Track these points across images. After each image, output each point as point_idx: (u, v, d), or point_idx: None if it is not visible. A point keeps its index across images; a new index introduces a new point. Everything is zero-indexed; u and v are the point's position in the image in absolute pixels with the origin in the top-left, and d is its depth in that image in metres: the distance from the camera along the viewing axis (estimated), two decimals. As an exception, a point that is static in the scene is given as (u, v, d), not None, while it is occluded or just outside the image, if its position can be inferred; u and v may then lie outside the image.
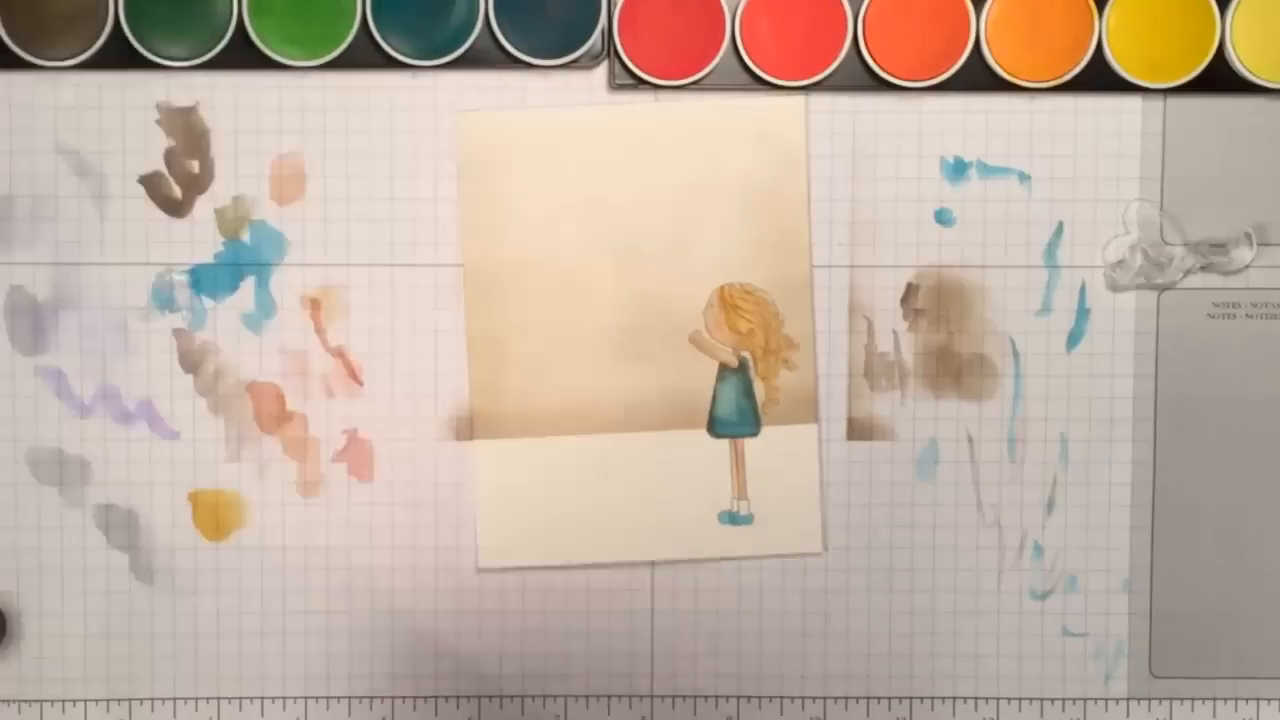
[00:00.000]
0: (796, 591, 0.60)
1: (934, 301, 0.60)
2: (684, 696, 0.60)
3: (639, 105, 0.59)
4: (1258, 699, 0.61)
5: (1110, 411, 0.60)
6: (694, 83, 0.58)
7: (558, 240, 0.59)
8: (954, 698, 0.60)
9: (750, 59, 0.58)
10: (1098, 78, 0.58)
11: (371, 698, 0.60)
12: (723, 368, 0.59)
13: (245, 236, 0.59)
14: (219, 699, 0.60)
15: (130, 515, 0.59)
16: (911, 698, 0.60)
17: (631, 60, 0.58)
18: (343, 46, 0.57)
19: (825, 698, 0.60)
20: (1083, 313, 0.60)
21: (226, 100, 0.59)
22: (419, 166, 0.59)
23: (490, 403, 0.59)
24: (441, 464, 0.60)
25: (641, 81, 0.58)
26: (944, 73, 0.58)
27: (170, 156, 0.59)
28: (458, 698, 0.60)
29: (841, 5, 0.58)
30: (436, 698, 0.60)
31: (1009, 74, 0.58)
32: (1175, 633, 0.60)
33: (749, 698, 0.60)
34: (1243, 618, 0.60)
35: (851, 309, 0.60)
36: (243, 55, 0.57)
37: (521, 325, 0.59)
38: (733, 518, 0.60)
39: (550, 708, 0.60)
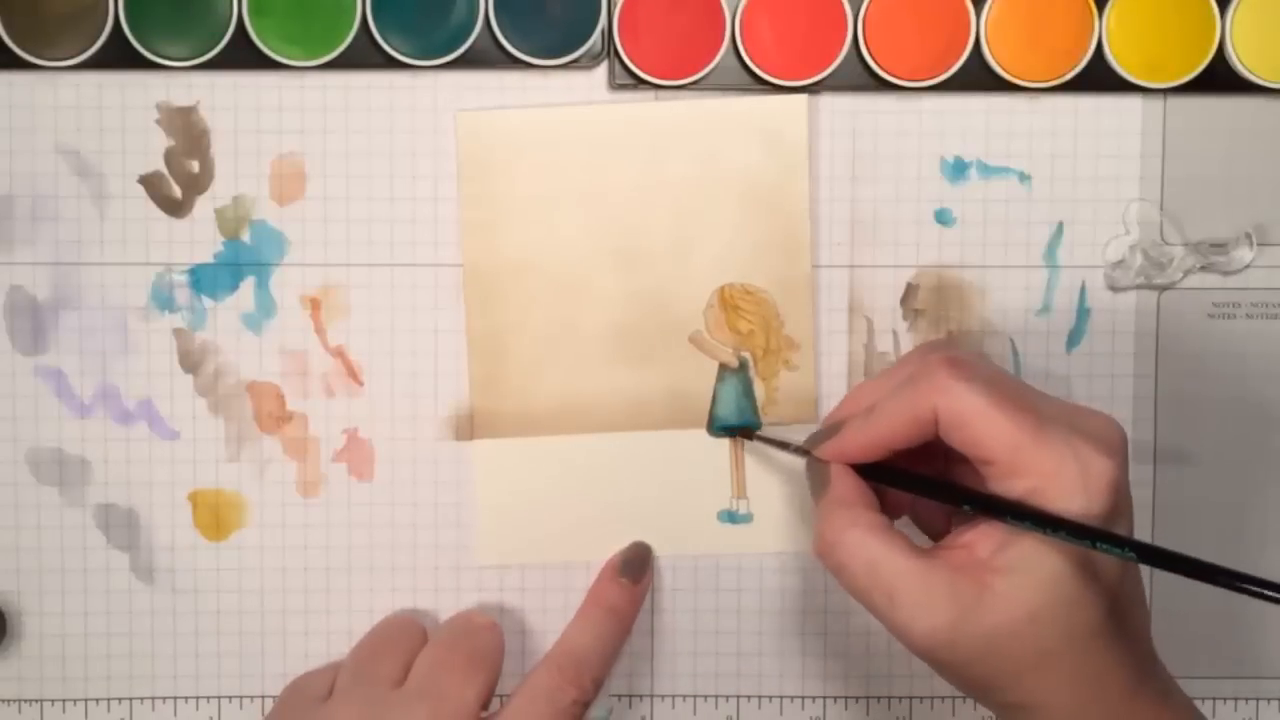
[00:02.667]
0: (796, 591, 0.60)
1: (934, 301, 0.60)
2: (684, 696, 0.60)
3: (639, 105, 0.59)
4: (1257, 699, 0.61)
5: (1110, 411, 0.60)
6: (694, 83, 0.58)
7: (558, 240, 0.59)
8: (954, 697, 0.60)
9: (750, 59, 0.58)
10: (1098, 78, 0.58)
11: (371, 698, 0.60)
12: (723, 368, 0.59)
13: (245, 236, 0.59)
14: (219, 699, 0.60)
15: (130, 515, 0.59)
16: (911, 698, 0.60)
17: (631, 60, 0.58)
18: (343, 46, 0.57)
19: (825, 698, 0.60)
20: (1083, 313, 0.60)
21: (226, 100, 0.59)
22: (419, 166, 0.59)
23: (490, 402, 0.59)
24: (441, 464, 0.60)
25: (641, 81, 0.58)
26: (944, 73, 0.58)
27: (170, 156, 0.59)
28: (458, 698, 0.60)
29: (842, 5, 0.58)
30: (436, 698, 0.60)
31: (1009, 74, 0.58)
32: (1175, 633, 0.60)
33: (749, 698, 0.60)
34: (1243, 618, 0.60)
35: (851, 309, 0.60)
36: (243, 55, 0.57)
37: (521, 325, 0.59)
38: (732, 517, 0.60)
39: (550, 707, 0.60)
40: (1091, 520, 0.46)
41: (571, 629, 0.57)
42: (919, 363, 0.50)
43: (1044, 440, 0.47)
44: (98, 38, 0.57)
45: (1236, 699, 0.60)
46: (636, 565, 0.59)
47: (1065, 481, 0.46)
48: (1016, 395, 0.48)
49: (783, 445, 0.56)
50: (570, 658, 0.55)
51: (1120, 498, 0.47)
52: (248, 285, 0.59)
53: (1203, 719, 0.51)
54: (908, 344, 0.60)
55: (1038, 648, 0.47)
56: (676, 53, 0.58)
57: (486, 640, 0.56)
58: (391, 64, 0.58)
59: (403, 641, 0.56)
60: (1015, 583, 0.46)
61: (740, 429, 0.59)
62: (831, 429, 0.52)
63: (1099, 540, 0.45)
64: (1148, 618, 0.50)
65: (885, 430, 0.49)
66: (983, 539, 0.48)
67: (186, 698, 0.60)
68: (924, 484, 0.50)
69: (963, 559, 0.48)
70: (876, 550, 0.48)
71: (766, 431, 0.58)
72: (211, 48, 0.57)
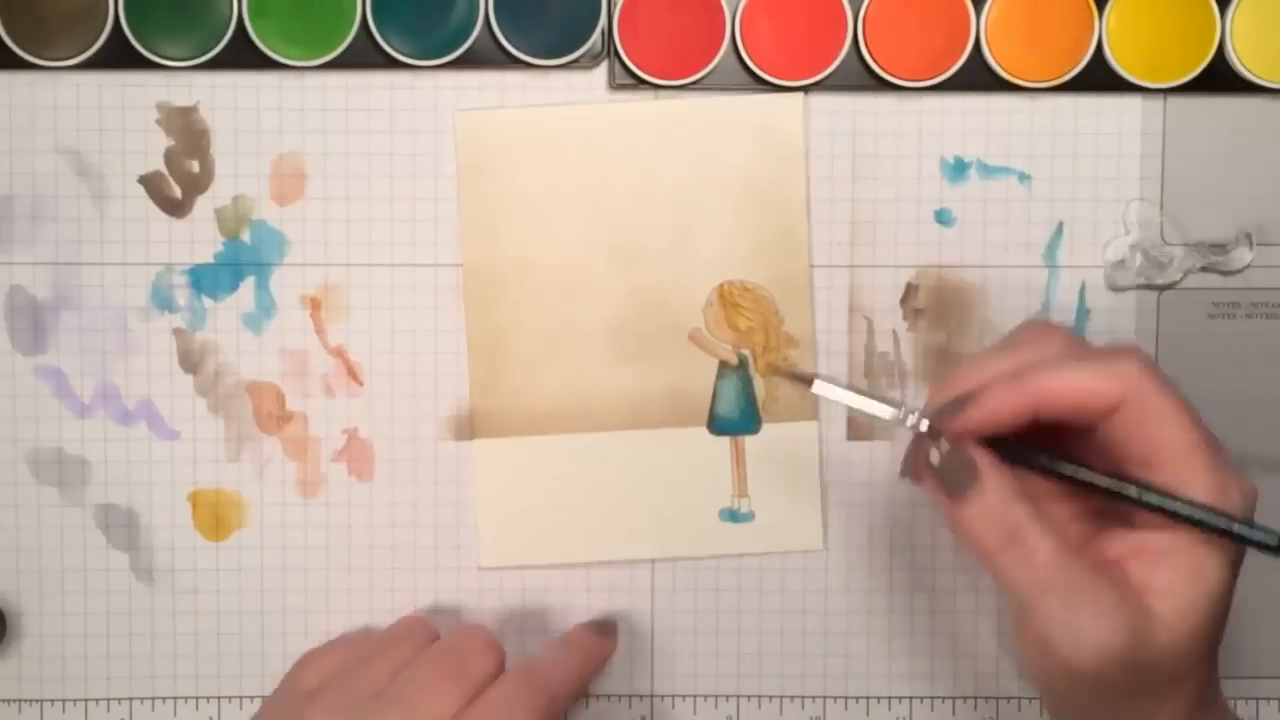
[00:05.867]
0: (796, 591, 0.60)
1: (934, 301, 0.60)
2: (684, 696, 0.60)
3: (639, 105, 0.59)
4: (1258, 699, 0.60)
5: (1110, 411, 0.60)
6: (694, 83, 0.58)
7: (557, 239, 0.59)
8: (953, 698, 0.60)
9: (750, 59, 0.58)
10: (1098, 78, 0.58)
11: (371, 698, 0.60)
12: (723, 365, 0.59)
13: (245, 236, 0.59)
14: (219, 699, 0.60)
15: (130, 515, 0.59)
16: (911, 698, 0.60)
17: (631, 60, 0.58)
18: (343, 46, 0.57)
19: (825, 697, 0.60)
20: (1083, 313, 0.60)
21: (226, 100, 0.59)
22: (419, 166, 0.59)
23: (490, 401, 0.59)
24: (441, 464, 0.60)
25: (641, 81, 0.58)
26: (944, 73, 0.58)
27: (170, 156, 0.59)
28: (458, 697, 0.60)
29: (841, 5, 0.58)
30: (436, 697, 0.60)
31: (1009, 74, 0.58)
32: (1176, 633, 0.60)
33: (749, 697, 0.60)
34: (1243, 618, 0.60)
35: (851, 309, 0.60)
36: (243, 55, 0.57)
37: (521, 324, 0.59)
38: (733, 515, 0.60)
39: (550, 707, 0.60)
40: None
41: (543, 649, 0.57)
42: (1065, 340, 0.48)
43: (1216, 454, 0.46)
44: (98, 38, 0.57)
45: (1236, 699, 0.60)
46: (604, 625, 0.59)
47: (1228, 499, 0.46)
48: (1192, 407, 0.47)
49: (883, 406, 0.49)
50: (533, 672, 0.53)
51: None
52: (248, 285, 0.59)
53: None
54: (908, 344, 0.60)
55: (1184, 667, 0.47)
56: (676, 53, 0.58)
57: (479, 660, 0.53)
58: (391, 64, 0.58)
59: (403, 646, 0.55)
60: (1180, 607, 0.46)
61: (799, 377, 0.51)
62: (957, 402, 0.48)
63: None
64: None
65: (1046, 393, 0.47)
66: (1133, 557, 0.47)
67: (186, 698, 0.60)
68: (1088, 475, 0.48)
69: (1117, 576, 0.47)
70: (1062, 549, 0.46)
71: (824, 386, 0.50)
72: (211, 48, 0.57)
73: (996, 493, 0.47)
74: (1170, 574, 0.46)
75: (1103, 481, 0.48)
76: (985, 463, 0.47)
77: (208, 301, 0.59)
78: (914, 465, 0.49)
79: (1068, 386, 0.47)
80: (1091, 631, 0.45)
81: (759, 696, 0.60)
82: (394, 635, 0.56)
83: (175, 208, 0.59)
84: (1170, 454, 0.46)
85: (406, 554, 0.60)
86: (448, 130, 0.59)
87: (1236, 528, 0.46)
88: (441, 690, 0.52)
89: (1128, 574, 0.47)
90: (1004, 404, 0.47)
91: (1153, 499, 0.47)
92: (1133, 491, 0.47)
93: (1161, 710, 0.47)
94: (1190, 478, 0.46)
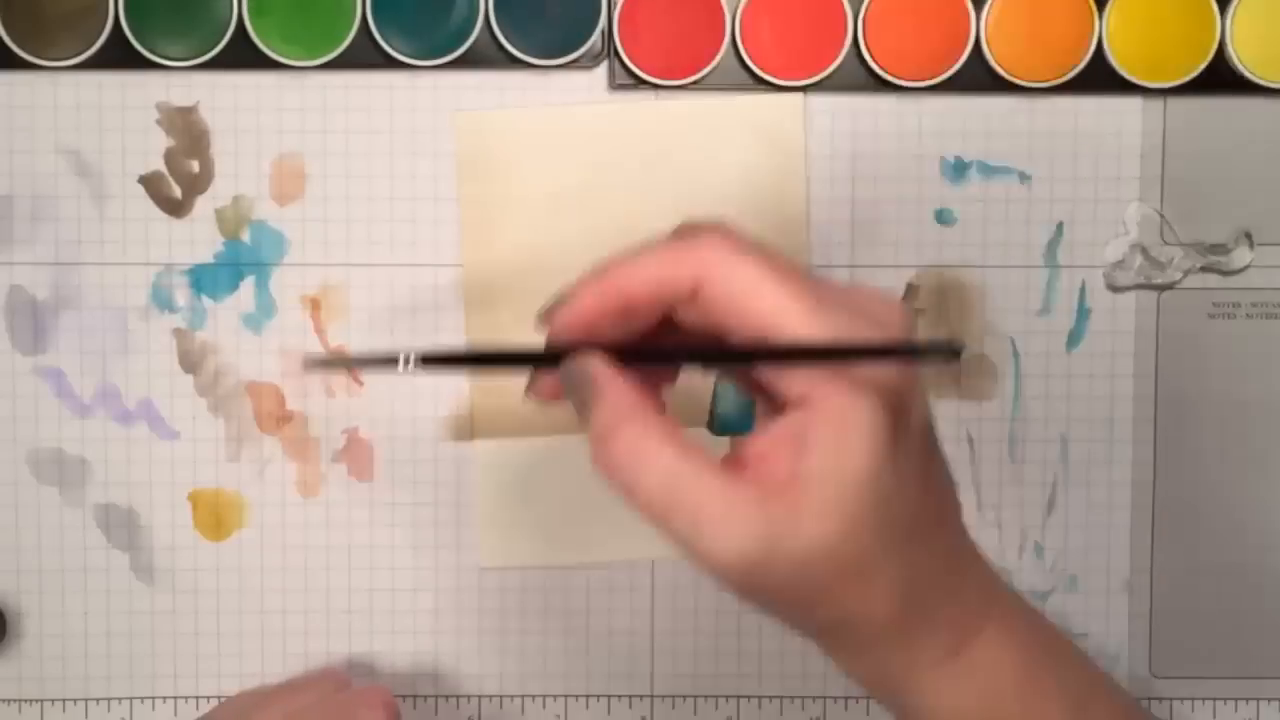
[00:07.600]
0: (796, 591, 0.60)
1: (934, 301, 0.60)
2: (684, 696, 0.60)
3: (639, 105, 0.59)
4: (1258, 699, 0.61)
5: (1110, 411, 0.60)
6: (694, 83, 0.58)
7: (558, 239, 0.59)
8: (954, 698, 0.60)
9: (750, 59, 0.58)
10: (1098, 78, 0.58)
11: (371, 698, 0.60)
12: (723, 366, 0.59)
13: (245, 236, 0.59)
14: (219, 699, 0.60)
15: (130, 515, 0.59)
16: (912, 698, 0.60)
17: (631, 60, 0.58)
18: (343, 46, 0.57)
19: (825, 697, 0.60)
20: (1083, 313, 0.60)
21: (226, 100, 0.59)
22: (419, 166, 0.59)
23: (490, 402, 0.59)
24: (441, 464, 0.60)
25: (641, 81, 0.58)
26: (944, 73, 0.58)
27: (170, 156, 0.59)
28: (458, 697, 0.60)
29: (841, 5, 0.58)
30: (437, 697, 0.60)
31: (1009, 74, 0.58)
32: (1175, 633, 0.60)
33: (749, 698, 0.60)
34: (1243, 618, 0.60)
35: (851, 309, 0.60)
36: (243, 55, 0.57)
37: (521, 324, 0.59)
38: (733, 516, 0.59)
39: (550, 708, 0.60)
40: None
41: None
42: (712, 233, 0.43)
43: (822, 317, 0.40)
44: (98, 38, 0.57)
45: (1236, 699, 0.60)
46: None
47: (853, 333, 0.40)
48: (791, 270, 0.41)
49: (381, 359, 0.43)
50: None
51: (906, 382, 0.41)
52: (248, 285, 0.59)
53: (1037, 614, 0.47)
54: (908, 344, 0.60)
55: (855, 557, 0.41)
56: (676, 53, 0.58)
57: (367, 715, 0.54)
58: (391, 64, 0.58)
59: (308, 691, 0.56)
60: (825, 494, 0.40)
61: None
62: (555, 305, 0.45)
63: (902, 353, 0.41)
64: (959, 509, 0.45)
65: (625, 285, 0.43)
66: (777, 449, 0.41)
67: (186, 698, 0.60)
68: (694, 351, 0.44)
69: (762, 473, 0.41)
70: (675, 465, 0.41)
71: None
72: (211, 48, 0.57)
73: (611, 403, 0.42)
74: (811, 459, 0.40)
75: (719, 360, 0.44)
76: (603, 373, 0.43)
77: (208, 301, 0.59)
78: (539, 385, 0.46)
79: (641, 276, 0.43)
80: (716, 543, 0.41)
81: (759, 696, 0.60)
82: (303, 682, 0.57)
83: (175, 208, 0.59)
84: (764, 321, 0.41)
85: (406, 554, 0.60)
86: (448, 130, 0.59)
87: (890, 345, 0.41)
88: None
89: (771, 465, 0.41)
90: (588, 301, 0.43)
91: (749, 349, 0.42)
92: (736, 351, 0.43)
93: (873, 598, 0.42)
94: (794, 333, 0.41)
